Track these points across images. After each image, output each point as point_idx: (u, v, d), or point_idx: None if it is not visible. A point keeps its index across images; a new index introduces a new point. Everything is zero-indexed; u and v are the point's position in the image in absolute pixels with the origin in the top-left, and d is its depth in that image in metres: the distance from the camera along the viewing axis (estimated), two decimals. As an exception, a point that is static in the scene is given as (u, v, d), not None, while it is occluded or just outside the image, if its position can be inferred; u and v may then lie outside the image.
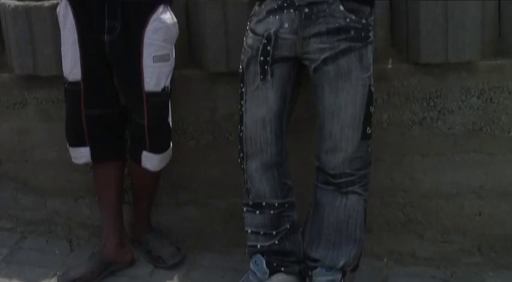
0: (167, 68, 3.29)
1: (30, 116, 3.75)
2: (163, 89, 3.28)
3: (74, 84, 3.32)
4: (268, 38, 2.99)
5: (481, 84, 3.40)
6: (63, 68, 3.36)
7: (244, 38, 3.09)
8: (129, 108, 3.38)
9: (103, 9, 3.23)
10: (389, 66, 3.45)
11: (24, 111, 3.75)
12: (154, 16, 3.24)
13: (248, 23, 3.10)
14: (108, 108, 3.38)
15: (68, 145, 3.46)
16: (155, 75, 3.25)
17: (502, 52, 3.44)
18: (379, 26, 3.41)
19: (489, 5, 3.37)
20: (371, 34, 3.02)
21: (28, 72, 3.66)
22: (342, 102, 2.97)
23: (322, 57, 2.96)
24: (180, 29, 3.36)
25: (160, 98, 3.29)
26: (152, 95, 3.26)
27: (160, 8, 3.26)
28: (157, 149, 3.35)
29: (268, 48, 3.00)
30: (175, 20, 3.32)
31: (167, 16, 3.28)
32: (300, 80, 3.14)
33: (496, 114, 3.41)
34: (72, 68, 3.31)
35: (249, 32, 3.07)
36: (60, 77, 3.43)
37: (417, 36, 3.38)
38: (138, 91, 3.26)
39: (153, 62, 3.24)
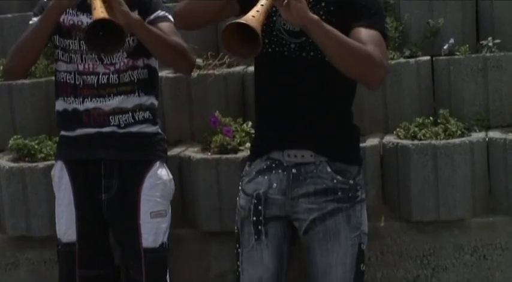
0: (164, 223, 3.28)
1: (22, 277, 3.73)
2: (161, 245, 3.27)
3: (69, 245, 3.29)
4: (258, 198, 3.01)
5: (473, 242, 3.41)
6: (57, 230, 3.34)
7: (237, 199, 3.11)
8: (126, 265, 3.35)
9: (100, 169, 3.25)
10: (382, 224, 3.47)
11: (16, 272, 3.73)
12: (151, 172, 3.26)
13: (240, 183, 3.12)
14: (104, 269, 3.35)
15: (60, 307, 3.41)
16: (153, 231, 3.24)
17: (493, 209, 3.49)
18: (370, 184, 3.45)
19: (478, 163, 3.42)
20: (359, 193, 3.02)
21: (21, 233, 3.67)
22: (333, 262, 2.96)
23: (311, 217, 2.96)
24: (173, 188, 3.39)
25: (158, 254, 3.26)
26: (150, 251, 3.24)
27: (157, 165, 3.28)
28: None
29: (260, 207, 3.01)
30: (171, 176, 3.34)
31: (163, 172, 3.30)
32: (294, 240, 3.13)
33: (490, 272, 3.41)
34: (67, 229, 3.29)
35: (240, 192, 3.09)
36: (52, 237, 3.43)
37: (408, 195, 3.42)
38: (135, 248, 3.25)
39: (151, 217, 3.24)
